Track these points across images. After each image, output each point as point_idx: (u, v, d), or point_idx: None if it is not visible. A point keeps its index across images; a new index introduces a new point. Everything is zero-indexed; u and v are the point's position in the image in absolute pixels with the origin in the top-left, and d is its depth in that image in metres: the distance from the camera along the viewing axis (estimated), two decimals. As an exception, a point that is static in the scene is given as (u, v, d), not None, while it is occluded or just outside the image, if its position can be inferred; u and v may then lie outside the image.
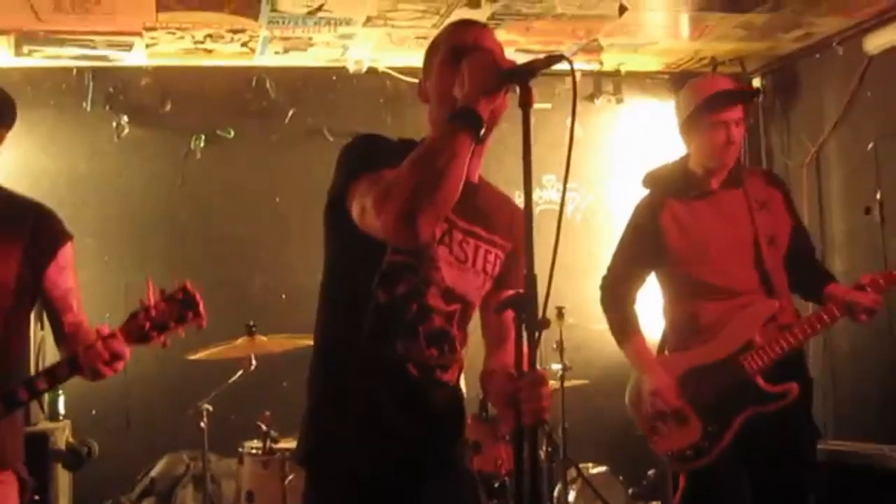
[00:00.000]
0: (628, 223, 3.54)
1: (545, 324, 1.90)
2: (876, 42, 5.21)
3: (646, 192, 3.54)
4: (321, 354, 2.34)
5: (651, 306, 3.61)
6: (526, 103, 1.96)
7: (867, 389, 5.40)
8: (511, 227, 2.36)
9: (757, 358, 3.27)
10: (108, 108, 5.82)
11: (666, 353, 3.53)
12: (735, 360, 3.29)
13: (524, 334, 1.92)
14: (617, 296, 3.52)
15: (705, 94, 3.36)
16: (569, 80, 1.99)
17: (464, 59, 2.07)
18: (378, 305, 2.21)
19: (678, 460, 3.36)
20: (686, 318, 3.41)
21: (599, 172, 6.15)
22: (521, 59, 2.02)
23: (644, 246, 3.45)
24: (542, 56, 1.99)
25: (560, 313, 4.81)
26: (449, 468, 2.33)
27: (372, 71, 5.92)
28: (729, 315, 3.32)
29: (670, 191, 3.45)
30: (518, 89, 1.98)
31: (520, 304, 1.92)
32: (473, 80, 2.01)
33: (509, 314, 1.97)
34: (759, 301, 3.32)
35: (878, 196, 5.10)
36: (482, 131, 2.01)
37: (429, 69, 2.30)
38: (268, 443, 4.42)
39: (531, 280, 1.92)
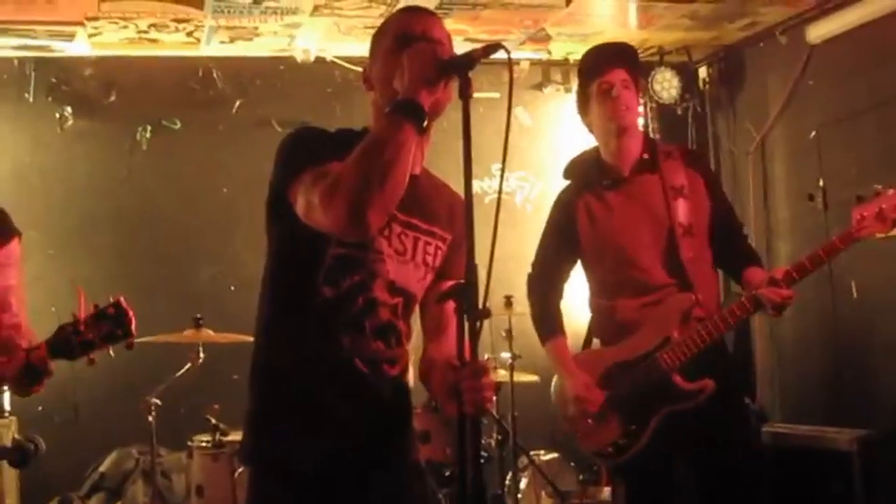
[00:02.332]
0: (548, 218, 3.51)
1: (486, 313, 1.90)
2: (818, 32, 5.29)
3: (566, 183, 3.50)
4: (264, 351, 2.31)
5: (578, 293, 3.61)
6: (465, 94, 1.96)
7: (812, 374, 5.49)
8: (452, 218, 2.34)
9: (673, 355, 3.22)
10: (50, 99, 5.72)
11: (593, 343, 3.52)
12: (653, 357, 3.25)
13: (465, 324, 1.92)
14: (541, 292, 3.49)
15: (583, 66, 3.34)
16: (517, 69, 1.99)
17: (405, 49, 2.07)
18: (324, 301, 2.19)
19: (600, 457, 3.39)
20: (604, 313, 3.40)
21: (548, 161, 6.16)
22: (469, 48, 2.02)
23: (563, 240, 3.42)
24: (480, 46, 1.98)
25: (508, 302, 4.83)
26: (396, 462, 2.32)
27: (320, 60, 5.87)
28: (644, 311, 3.28)
29: (585, 182, 3.40)
30: (459, 81, 1.97)
31: (461, 294, 1.92)
32: (412, 71, 2.00)
33: (449, 304, 1.97)
34: (674, 295, 3.27)
35: (821, 183, 5.18)
36: (424, 122, 2.00)
37: (374, 56, 2.28)
38: (217, 436, 4.40)
39: (471, 269, 1.91)
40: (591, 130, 3.43)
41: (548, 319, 3.48)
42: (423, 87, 1.99)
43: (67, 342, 2.51)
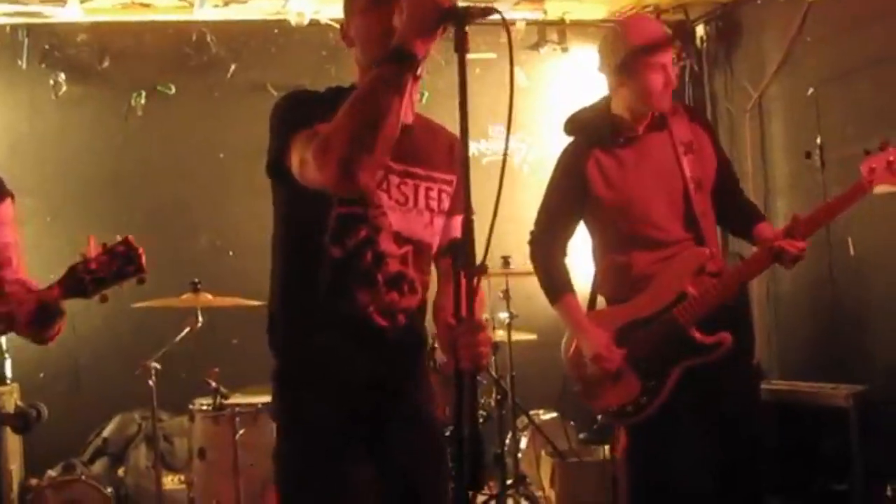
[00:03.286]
0: (553, 174, 3.47)
1: (482, 269, 1.90)
2: (815, -13, 5.26)
3: (569, 139, 3.48)
4: (281, 313, 2.35)
5: (580, 254, 3.60)
6: (461, 48, 1.95)
7: (809, 332, 5.52)
8: (452, 160, 2.35)
9: (690, 309, 3.23)
10: (44, 65, 5.70)
11: (597, 307, 3.52)
12: (668, 312, 3.25)
13: (462, 280, 1.93)
14: (546, 251, 3.46)
15: (642, 37, 3.29)
16: (514, 29, 1.98)
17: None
18: (333, 260, 2.22)
19: (618, 416, 3.36)
20: (616, 268, 3.38)
21: (546, 122, 6.14)
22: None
23: (570, 198, 3.40)
24: (478, 6, 1.97)
25: (506, 262, 4.83)
26: (416, 414, 2.35)
27: (314, 23, 5.83)
28: (659, 265, 3.29)
29: (595, 139, 3.37)
30: (454, 33, 1.96)
31: (456, 250, 1.92)
32: (412, 15, 1.98)
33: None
34: (689, 250, 3.29)
35: (819, 140, 5.17)
36: (419, 70, 1.99)
37: (351, 12, 2.29)
38: (217, 399, 4.42)
39: (468, 226, 1.91)
40: (616, 85, 3.38)
41: (557, 278, 3.44)
42: (419, 34, 1.97)
43: (80, 281, 2.52)
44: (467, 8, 1.96)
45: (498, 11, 1.96)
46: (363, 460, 2.27)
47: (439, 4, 1.98)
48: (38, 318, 2.57)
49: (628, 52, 3.29)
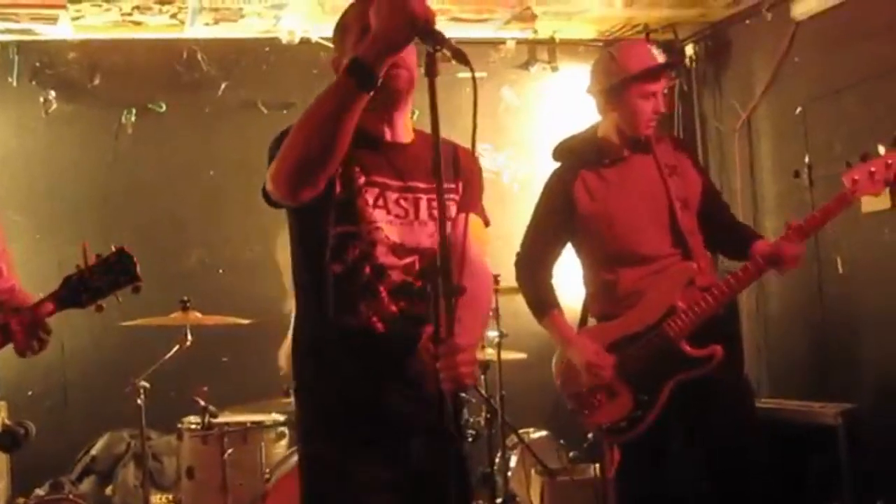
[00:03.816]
0: (541, 197, 3.52)
1: (460, 290, 1.93)
2: (803, 8, 5.29)
3: (557, 165, 3.52)
4: (297, 329, 2.41)
5: (569, 276, 3.62)
6: (431, 71, 1.97)
7: (798, 349, 5.53)
8: (456, 167, 2.39)
9: (680, 322, 3.26)
10: (34, 83, 5.69)
11: (589, 323, 3.55)
12: (659, 327, 3.28)
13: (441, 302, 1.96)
14: (532, 271, 3.49)
15: (636, 65, 3.34)
16: (503, 48, 2.00)
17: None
18: (335, 277, 2.28)
19: (612, 433, 3.37)
20: (605, 286, 3.42)
21: (536, 140, 6.14)
22: (454, 27, 2.01)
23: (557, 218, 3.44)
24: (454, 43, 1.99)
25: (495, 280, 4.82)
26: (428, 428, 2.30)
27: (305, 41, 5.85)
28: (647, 281, 3.32)
29: (581, 161, 3.43)
30: (426, 53, 1.99)
31: (433, 273, 1.94)
32: (382, 26, 1.99)
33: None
34: (676, 264, 3.33)
35: (807, 160, 5.20)
36: (372, 84, 2.01)
37: (342, 46, 2.33)
38: (206, 418, 4.40)
39: (445, 246, 1.94)
40: (605, 109, 3.45)
41: (542, 297, 3.48)
42: (385, 48, 2.00)
43: (75, 291, 2.53)
44: (442, 35, 1.97)
45: (468, 63, 1.98)
46: (383, 468, 2.28)
47: (414, 19, 1.97)
48: (32, 332, 2.57)
49: (622, 79, 3.34)
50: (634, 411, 3.29)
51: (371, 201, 2.29)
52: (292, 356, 2.44)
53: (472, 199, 2.41)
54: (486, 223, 2.47)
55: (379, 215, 2.29)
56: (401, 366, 2.29)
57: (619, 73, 3.37)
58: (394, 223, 2.31)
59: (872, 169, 3.22)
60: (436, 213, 2.32)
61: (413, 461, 2.29)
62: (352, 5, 2.34)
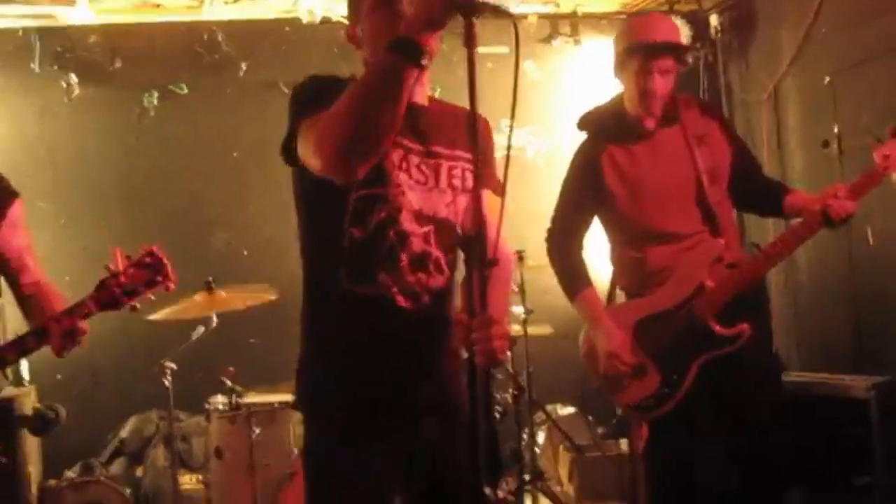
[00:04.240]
0: (568, 172, 3.48)
1: (493, 263, 1.89)
2: (829, -24, 5.21)
3: (584, 135, 3.48)
4: (308, 301, 2.34)
5: (598, 247, 3.59)
6: (470, 40, 1.92)
7: (829, 323, 5.47)
8: (472, 136, 2.29)
9: (708, 301, 3.23)
10: (56, 67, 5.70)
11: (616, 300, 3.52)
12: (687, 305, 3.26)
13: (475, 275, 1.91)
14: (563, 247, 3.46)
15: (638, 38, 3.27)
16: (526, 23, 1.96)
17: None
18: (354, 241, 2.20)
19: (640, 410, 3.36)
20: (634, 263, 3.39)
21: (559, 115, 6.11)
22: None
23: (586, 194, 3.40)
24: (490, 2, 1.93)
25: (520, 256, 4.80)
26: (444, 406, 2.29)
27: (325, 21, 5.82)
28: (676, 258, 3.28)
29: (608, 135, 3.39)
30: (464, 26, 1.93)
31: (469, 246, 1.91)
32: (420, 4, 1.95)
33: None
34: (705, 242, 3.30)
35: (836, 130, 5.13)
36: (423, 61, 1.96)
37: (357, 13, 2.28)
38: (233, 398, 4.41)
39: (479, 222, 1.89)
40: (616, 73, 3.41)
41: (575, 274, 3.45)
42: (426, 23, 1.94)
43: (112, 294, 2.60)
44: (476, 1, 1.92)
45: (514, 20, 1.93)
46: (387, 454, 2.23)
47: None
48: (70, 337, 2.61)
49: (622, 50, 3.29)
50: (662, 389, 3.28)
51: (397, 162, 2.22)
52: (301, 318, 2.34)
53: (488, 170, 2.34)
54: (499, 192, 2.35)
55: (403, 178, 2.23)
56: (419, 343, 2.25)
57: (625, 42, 3.31)
58: (414, 188, 2.24)
59: None
60: (456, 181, 2.30)
61: (426, 443, 2.25)
62: None
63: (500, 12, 1.93)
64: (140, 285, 2.63)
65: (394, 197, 2.21)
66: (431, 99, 2.35)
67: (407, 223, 2.22)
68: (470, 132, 1.94)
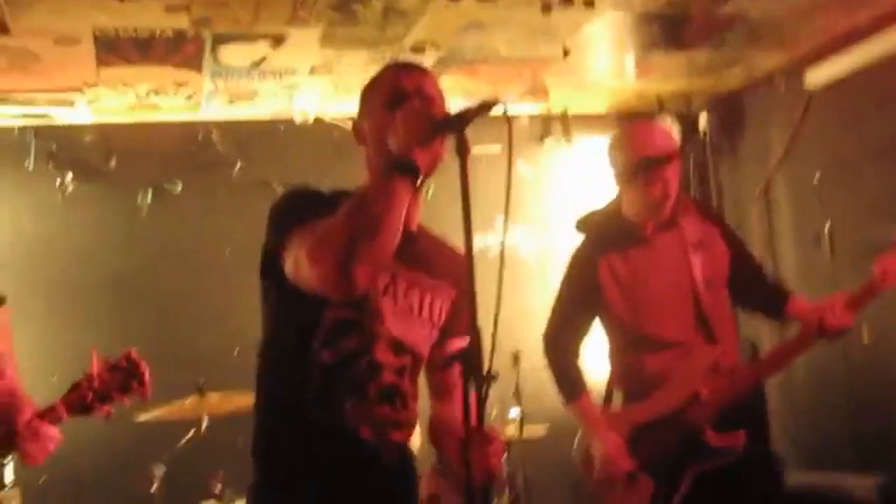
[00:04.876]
0: (565, 275, 3.46)
1: (493, 377, 1.84)
2: (817, 77, 5.29)
3: (579, 236, 3.48)
4: (262, 423, 2.24)
5: (595, 346, 3.56)
6: (462, 152, 1.91)
7: (826, 420, 5.41)
8: (454, 275, 2.26)
9: (703, 410, 3.19)
10: (51, 166, 5.72)
11: (612, 404, 3.47)
12: (681, 414, 3.21)
13: (471, 389, 1.86)
14: (559, 353, 3.43)
15: (645, 149, 3.27)
16: (517, 122, 1.96)
17: (398, 107, 2.02)
18: (322, 366, 2.12)
19: None
20: (629, 369, 3.36)
21: (552, 213, 6.14)
22: (466, 103, 1.98)
23: (583, 303, 3.39)
24: (475, 105, 1.92)
25: (515, 358, 4.76)
26: None
27: (319, 121, 5.89)
28: (671, 366, 3.25)
29: (606, 241, 3.38)
30: (456, 137, 1.92)
31: (465, 359, 1.86)
32: (406, 131, 1.94)
33: (456, 366, 1.89)
34: (699, 349, 3.26)
35: (827, 227, 5.15)
36: (419, 179, 1.95)
37: (366, 111, 2.25)
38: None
39: (475, 334, 1.84)
40: (618, 184, 3.41)
41: (570, 379, 3.41)
42: (416, 145, 1.93)
43: (83, 398, 2.50)
44: (464, 112, 1.92)
45: (498, 104, 1.92)
46: None
47: (432, 117, 1.96)
48: (41, 443, 2.54)
49: (629, 163, 3.29)
50: (654, 500, 3.21)
51: (382, 286, 2.16)
52: (254, 441, 2.23)
53: (463, 320, 2.07)
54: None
55: (387, 305, 2.16)
56: (383, 476, 2.18)
57: (627, 157, 3.31)
58: (398, 316, 2.17)
59: None
60: (435, 316, 2.24)
61: None
62: (383, 70, 2.29)
63: (488, 106, 1.91)
64: (114, 390, 2.54)
65: (370, 324, 2.14)
66: (419, 227, 2.30)
67: (381, 353, 2.15)
68: (468, 250, 1.88)
